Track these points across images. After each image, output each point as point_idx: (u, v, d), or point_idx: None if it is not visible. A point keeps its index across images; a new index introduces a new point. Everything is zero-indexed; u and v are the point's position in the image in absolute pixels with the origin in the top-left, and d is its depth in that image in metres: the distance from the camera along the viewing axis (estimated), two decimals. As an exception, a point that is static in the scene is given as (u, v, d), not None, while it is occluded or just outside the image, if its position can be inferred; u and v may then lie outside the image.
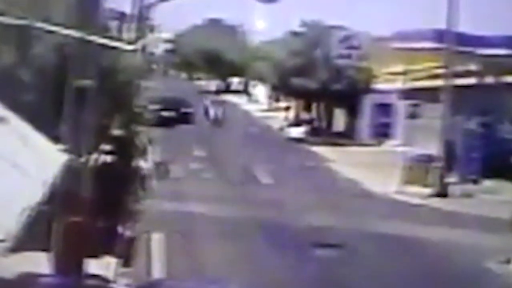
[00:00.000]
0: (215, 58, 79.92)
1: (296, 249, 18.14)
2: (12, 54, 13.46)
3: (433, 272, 17.04)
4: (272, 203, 24.81)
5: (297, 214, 22.89)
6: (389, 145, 41.89)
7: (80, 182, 11.69)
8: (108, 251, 13.45)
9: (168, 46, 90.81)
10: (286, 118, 54.67)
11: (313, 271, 16.18)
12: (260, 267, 16.38)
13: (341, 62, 46.59)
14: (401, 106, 41.81)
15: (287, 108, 57.39)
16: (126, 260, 13.85)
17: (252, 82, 74.26)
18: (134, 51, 14.93)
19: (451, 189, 28.50)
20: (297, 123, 50.10)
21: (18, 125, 10.60)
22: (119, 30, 19.19)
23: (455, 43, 29.30)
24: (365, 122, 45.59)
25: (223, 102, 54.76)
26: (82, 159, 11.79)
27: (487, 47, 40.86)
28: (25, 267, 11.62)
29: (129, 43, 15.39)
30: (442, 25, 30.22)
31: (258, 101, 70.72)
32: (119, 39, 14.50)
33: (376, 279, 16.00)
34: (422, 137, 33.56)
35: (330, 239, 18.98)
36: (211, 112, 51.81)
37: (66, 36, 12.22)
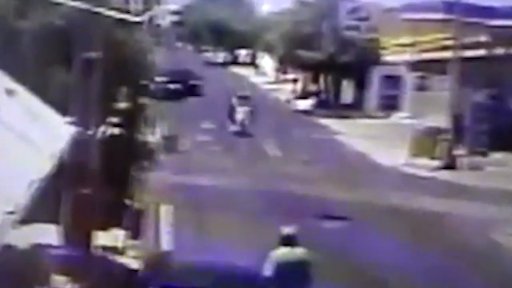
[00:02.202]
0: (222, 29, 79.62)
1: (304, 221, 18.15)
2: (19, 26, 13.41)
3: (440, 244, 17.05)
4: (280, 176, 24.81)
5: (305, 187, 22.90)
6: (397, 117, 41.79)
7: (88, 155, 11.70)
8: (117, 223, 13.49)
9: (175, 18, 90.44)
10: (293, 91, 54.53)
11: (320, 243, 16.20)
12: (267, 240, 16.38)
13: (349, 33, 46.36)
14: (409, 78, 41.67)
15: (294, 81, 57.21)
16: (135, 232, 13.89)
17: (259, 54, 73.99)
18: (141, 23, 14.85)
19: (459, 162, 28.44)
20: (304, 95, 49.96)
21: (26, 97, 10.60)
22: (126, 2, 19.05)
23: (464, 14, 29.08)
24: (373, 94, 45.46)
25: (250, 99, 37.58)
26: (90, 132, 11.80)
27: (497, 18, 40.50)
28: (35, 239, 11.67)
29: (136, 15, 15.29)
30: (451, -4, 30.02)
31: (265, 74, 70.51)
32: (126, 11, 14.40)
33: (383, 251, 16.01)
34: (430, 109, 33.46)
35: (337, 211, 18.99)
36: (239, 115, 35.79)
37: (73, 7, 12.15)
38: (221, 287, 12.15)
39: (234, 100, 36.55)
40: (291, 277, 10.16)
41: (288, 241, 10.39)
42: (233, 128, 35.10)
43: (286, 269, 10.19)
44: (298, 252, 10.43)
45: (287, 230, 10.50)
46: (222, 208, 19.36)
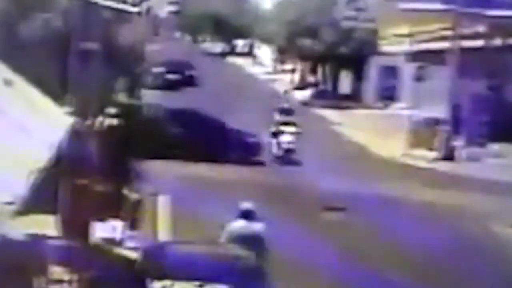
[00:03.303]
0: (221, 20, 79.42)
1: (302, 212, 18.14)
2: (18, 17, 13.35)
3: (439, 236, 17.03)
4: (277, 167, 24.76)
5: (303, 177, 22.86)
6: (395, 108, 41.71)
7: (86, 145, 11.66)
8: (115, 214, 13.45)
9: (173, 8, 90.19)
10: (291, 81, 54.45)
11: (318, 234, 16.19)
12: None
13: (347, 23, 46.25)
14: (408, 69, 41.55)
15: (292, 71, 57.13)
16: (133, 222, 13.86)
17: (257, 44, 73.88)
18: (138, 13, 14.78)
19: (457, 153, 28.42)
20: (302, 86, 49.86)
21: (25, 88, 10.58)
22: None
23: (463, 4, 29.00)
24: (371, 85, 45.38)
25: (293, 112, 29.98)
26: (88, 122, 11.76)
27: (495, 8, 40.37)
28: (33, 230, 11.64)
29: (134, 5, 15.24)
30: (450, -14, 29.93)
31: (263, 64, 70.40)
32: (124, 1, 14.35)
33: (381, 242, 15.99)
34: (429, 100, 33.39)
35: (335, 202, 18.96)
36: (284, 142, 27.13)
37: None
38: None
39: (277, 116, 28.94)
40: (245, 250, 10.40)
41: (246, 215, 10.78)
42: (278, 152, 26.89)
43: (239, 242, 10.50)
44: (254, 226, 10.73)
45: (245, 205, 10.93)
46: (218, 198, 19.31)
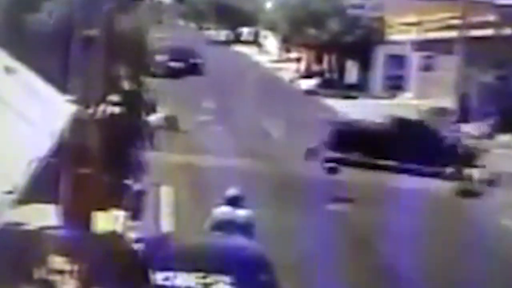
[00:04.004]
0: (225, 7, 79.12)
1: (309, 204, 18.00)
2: (20, 4, 13.18)
3: (448, 228, 16.84)
4: (284, 157, 24.61)
5: (309, 168, 22.70)
6: (402, 98, 41.48)
7: (88, 134, 11.48)
8: (117, 204, 13.30)
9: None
10: (297, 70, 54.21)
11: (326, 226, 16.04)
12: (270, 223, 16.21)
13: (353, 12, 45.97)
14: (415, 58, 41.31)
15: (298, 60, 56.87)
16: (135, 213, 13.71)
17: (262, 33, 73.56)
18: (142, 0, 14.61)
19: (465, 143, 28.18)
20: (308, 75, 49.64)
21: (26, 75, 10.43)
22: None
23: (472, -7, 28.72)
24: (378, 74, 45.13)
25: None
26: (90, 110, 11.58)
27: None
28: (33, 219, 11.51)
29: (138, -9, 15.03)
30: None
31: (268, 52, 70.11)
32: (128, -13, 14.14)
33: (388, 235, 15.82)
34: (436, 90, 33.17)
35: (343, 193, 18.79)
36: None
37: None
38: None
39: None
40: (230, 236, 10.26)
41: (231, 201, 10.59)
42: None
43: (220, 229, 10.33)
44: (238, 213, 10.48)
45: (232, 191, 10.78)
46: (224, 189, 19.12)
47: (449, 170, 22.04)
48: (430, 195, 19.94)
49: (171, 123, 26.26)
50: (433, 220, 17.51)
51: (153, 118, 15.35)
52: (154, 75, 14.79)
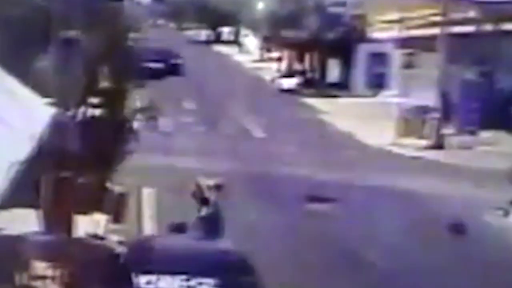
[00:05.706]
0: (205, 6, 78.90)
1: (289, 203, 17.91)
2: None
3: (431, 226, 16.79)
4: (265, 157, 24.54)
5: (291, 168, 22.61)
6: (384, 95, 41.48)
7: (68, 137, 11.33)
8: (98, 208, 13.16)
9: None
10: (278, 69, 54.12)
11: (305, 226, 15.95)
12: (252, 222, 16.10)
13: (334, 9, 45.95)
14: (397, 56, 41.31)
15: (279, 59, 56.78)
16: (116, 216, 13.56)
17: (243, 32, 73.44)
18: (121, 0, 14.49)
19: (448, 141, 28.21)
20: (289, 74, 49.56)
21: (4, 79, 10.27)
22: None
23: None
24: (359, 73, 45.11)
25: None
26: (70, 113, 11.44)
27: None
28: (14, 224, 11.34)
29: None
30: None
31: (249, 52, 69.97)
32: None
33: (371, 234, 15.73)
34: (419, 87, 33.17)
35: (323, 192, 18.69)
36: None
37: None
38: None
39: None
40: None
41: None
42: None
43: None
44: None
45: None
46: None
47: None
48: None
49: (149, 113, 25.99)
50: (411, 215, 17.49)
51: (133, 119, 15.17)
52: (134, 76, 14.63)
